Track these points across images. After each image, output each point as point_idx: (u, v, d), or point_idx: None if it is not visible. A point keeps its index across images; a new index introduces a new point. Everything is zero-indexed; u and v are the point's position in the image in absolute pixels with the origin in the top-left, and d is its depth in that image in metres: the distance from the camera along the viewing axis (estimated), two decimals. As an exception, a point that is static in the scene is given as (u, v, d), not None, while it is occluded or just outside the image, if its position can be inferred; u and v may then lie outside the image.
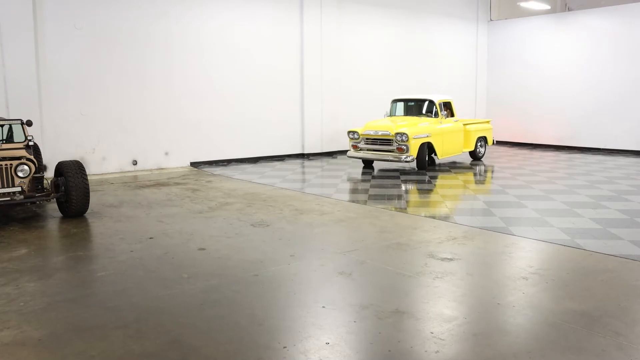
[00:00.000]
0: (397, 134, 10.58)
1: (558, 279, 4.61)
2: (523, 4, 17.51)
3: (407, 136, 10.48)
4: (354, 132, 11.32)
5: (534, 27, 16.80)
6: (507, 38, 17.51)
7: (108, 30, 10.55)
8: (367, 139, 11.16)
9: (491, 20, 17.92)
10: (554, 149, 15.91)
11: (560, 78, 16.10)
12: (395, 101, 12.39)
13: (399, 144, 10.60)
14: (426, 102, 11.97)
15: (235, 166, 12.17)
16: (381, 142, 10.90)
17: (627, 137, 14.75)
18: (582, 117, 15.65)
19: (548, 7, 17.55)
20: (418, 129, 10.94)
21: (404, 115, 12.13)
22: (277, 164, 12.52)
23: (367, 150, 11.20)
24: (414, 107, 12.20)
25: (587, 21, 15.52)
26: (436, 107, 11.72)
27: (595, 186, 9.34)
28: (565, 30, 16.01)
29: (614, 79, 14.91)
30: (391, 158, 10.76)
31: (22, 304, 4.10)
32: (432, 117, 11.72)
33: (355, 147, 11.34)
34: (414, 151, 10.60)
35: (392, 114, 12.23)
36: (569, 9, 17.62)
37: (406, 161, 10.59)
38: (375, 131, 10.97)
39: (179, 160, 11.82)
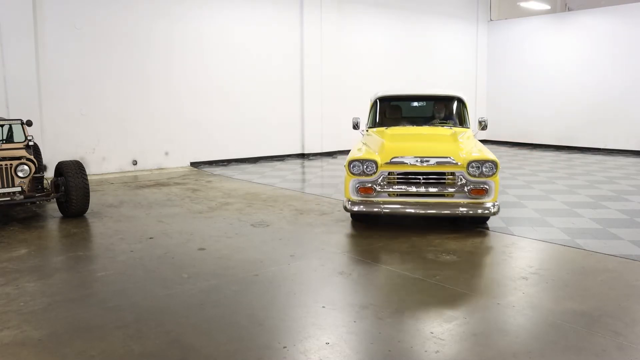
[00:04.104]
0: (472, 162, 5.77)
1: (558, 279, 4.61)
2: (523, 4, 17.51)
3: (494, 165, 5.80)
4: (365, 163, 5.91)
5: (534, 27, 16.80)
6: (507, 38, 17.50)
7: (108, 30, 10.55)
8: (392, 174, 5.93)
9: (491, 20, 17.92)
10: (554, 149, 15.91)
11: (560, 78, 16.10)
12: (384, 101, 7.54)
13: (476, 183, 5.80)
14: (450, 103, 7.53)
15: (235, 166, 12.17)
16: (429, 179, 5.91)
17: (627, 137, 14.75)
18: (582, 117, 15.65)
19: (548, 7, 17.55)
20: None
21: (404, 124, 7.22)
22: (277, 164, 12.52)
23: (401, 196, 5.97)
24: (424, 110, 7.74)
25: (587, 21, 15.51)
26: (466, 112, 7.36)
27: (595, 186, 9.34)
28: (565, 30, 16.01)
29: (614, 78, 14.91)
30: (460, 210, 5.78)
31: (22, 304, 4.10)
32: (458, 126, 7.19)
33: (368, 191, 5.93)
34: (496, 194, 5.94)
35: (374, 123, 7.34)
36: (569, 9, 17.62)
37: (487, 214, 5.89)
38: (421, 158, 5.84)
39: (179, 160, 11.82)
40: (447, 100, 7.58)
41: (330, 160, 13.43)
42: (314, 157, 13.84)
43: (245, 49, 12.56)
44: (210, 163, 12.28)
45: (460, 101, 7.46)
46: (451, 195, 5.90)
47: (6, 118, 8.17)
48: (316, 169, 11.82)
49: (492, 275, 4.81)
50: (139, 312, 3.92)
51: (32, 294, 4.29)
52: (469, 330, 3.60)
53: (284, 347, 3.38)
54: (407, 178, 5.92)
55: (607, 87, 15.07)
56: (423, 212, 5.83)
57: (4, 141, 7.17)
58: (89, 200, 6.98)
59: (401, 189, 5.92)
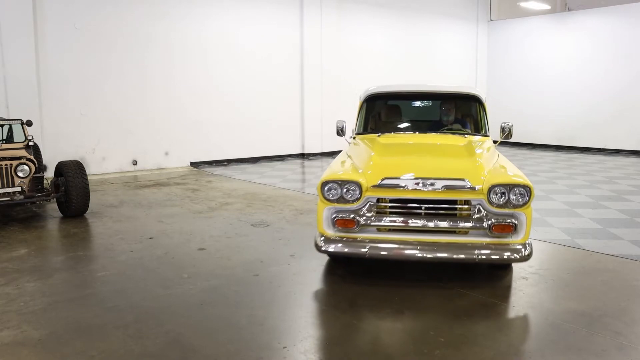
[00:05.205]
0: (496, 186, 4.22)
1: (558, 279, 4.61)
2: (523, 4, 17.52)
3: (527, 192, 4.21)
4: (345, 185, 4.34)
5: (534, 27, 16.80)
6: (507, 38, 17.50)
7: (108, 30, 10.55)
8: (382, 201, 4.38)
9: (491, 20, 17.92)
10: (554, 149, 15.91)
11: (560, 78, 16.11)
12: (376, 99, 6.00)
13: (500, 217, 4.24)
14: (463, 103, 5.92)
15: (235, 166, 12.17)
16: (435, 208, 4.32)
17: (627, 137, 14.75)
18: (582, 117, 15.65)
19: (548, 7, 17.56)
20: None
21: (403, 131, 5.83)
22: (277, 164, 12.52)
23: (394, 232, 4.39)
24: (430, 112, 6.20)
25: (587, 21, 15.52)
26: (484, 115, 5.78)
27: (595, 186, 9.34)
28: (565, 30, 16.02)
29: (614, 78, 14.91)
30: (478, 254, 4.16)
31: (22, 304, 4.10)
32: (475, 134, 5.60)
33: (348, 224, 4.35)
34: (528, 232, 4.32)
35: (365, 129, 5.79)
36: (569, 9, 17.63)
37: (516, 258, 4.20)
38: (423, 180, 4.26)
39: (179, 160, 11.82)
40: (459, 99, 5.89)
41: (330, 160, 13.42)
42: (314, 157, 13.84)
43: (246, 49, 12.56)
44: (210, 163, 12.28)
45: (477, 101, 5.79)
46: (465, 232, 4.30)
47: (6, 118, 8.18)
48: (316, 169, 11.81)
49: (492, 275, 4.81)
50: (139, 312, 3.92)
51: (32, 294, 4.29)
52: (469, 331, 3.60)
53: (284, 347, 3.38)
54: (404, 207, 4.33)
55: (607, 86, 15.07)
56: (425, 255, 4.18)
57: (4, 141, 7.16)
58: (89, 200, 6.98)
59: (395, 222, 4.30)
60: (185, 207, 7.65)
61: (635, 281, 4.59)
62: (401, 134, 5.65)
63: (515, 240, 4.26)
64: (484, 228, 4.22)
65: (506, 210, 4.22)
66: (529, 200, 4.20)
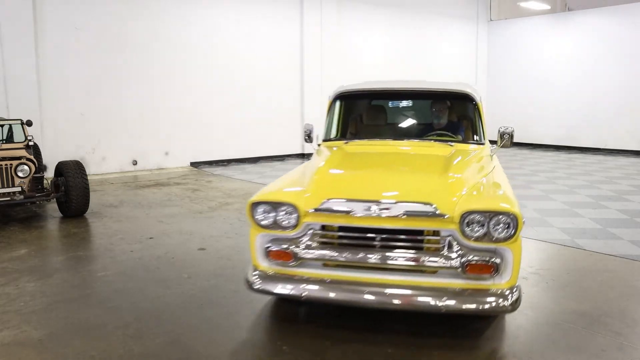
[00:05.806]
0: (470, 214, 3.17)
1: (558, 279, 4.61)
2: (523, 4, 17.53)
3: (512, 221, 3.14)
4: (279, 208, 3.44)
5: (534, 27, 16.81)
6: (507, 38, 17.51)
7: (108, 30, 10.55)
8: (328, 229, 3.42)
9: (491, 20, 17.92)
10: (554, 149, 15.91)
11: (560, 78, 16.11)
12: (349, 99, 5.06)
13: (477, 253, 3.20)
14: (454, 103, 4.95)
15: (235, 166, 12.17)
16: (393, 240, 3.31)
17: (627, 137, 14.76)
18: (582, 117, 15.66)
19: (548, 7, 17.56)
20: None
21: (382, 137, 4.70)
22: (277, 164, 12.52)
23: (342, 268, 3.41)
24: (418, 114, 5.19)
25: (587, 21, 15.52)
26: (479, 118, 4.72)
27: (595, 186, 9.34)
28: (565, 30, 16.02)
29: (614, 78, 14.92)
30: (446, 302, 3.15)
31: (22, 304, 4.10)
32: (470, 141, 4.60)
33: (283, 256, 3.43)
34: (515, 273, 3.24)
35: (336, 134, 4.91)
36: (569, 9, 17.63)
37: (499, 309, 3.18)
38: (377, 203, 3.25)
39: (179, 160, 11.82)
40: (449, 99, 4.88)
41: (330, 160, 13.42)
42: (314, 157, 13.84)
43: (246, 48, 12.57)
44: (210, 163, 12.28)
45: (471, 101, 4.77)
46: (433, 272, 3.31)
47: (6, 118, 8.18)
48: (316, 169, 11.80)
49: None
50: (139, 312, 3.92)
51: (32, 294, 4.29)
52: (469, 331, 3.60)
53: (284, 347, 3.37)
54: (354, 237, 3.37)
55: (607, 86, 15.08)
56: (379, 301, 3.24)
57: (4, 141, 7.16)
58: (89, 200, 6.98)
59: (340, 256, 3.33)
60: (185, 207, 7.65)
61: (635, 281, 4.59)
62: (373, 142, 4.59)
63: (497, 284, 3.22)
64: (454, 267, 3.20)
65: (485, 245, 3.19)
66: (515, 233, 3.15)
